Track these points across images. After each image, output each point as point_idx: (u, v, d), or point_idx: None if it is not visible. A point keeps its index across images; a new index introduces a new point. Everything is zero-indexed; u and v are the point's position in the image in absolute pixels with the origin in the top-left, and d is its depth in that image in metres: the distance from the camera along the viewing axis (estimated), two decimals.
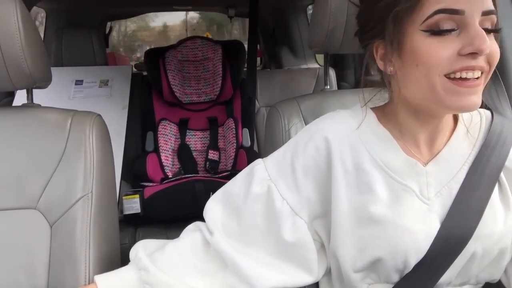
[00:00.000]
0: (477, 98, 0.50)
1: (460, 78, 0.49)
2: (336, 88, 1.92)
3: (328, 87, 0.94)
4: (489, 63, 0.50)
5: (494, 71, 0.54)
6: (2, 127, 0.75)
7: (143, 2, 2.29)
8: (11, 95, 1.68)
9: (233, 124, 1.75)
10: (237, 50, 1.81)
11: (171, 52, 1.80)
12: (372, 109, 0.61)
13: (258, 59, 2.56)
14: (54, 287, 0.69)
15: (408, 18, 0.50)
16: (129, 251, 0.63)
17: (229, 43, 1.85)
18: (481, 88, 0.50)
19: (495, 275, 0.60)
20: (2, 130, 0.75)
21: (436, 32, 0.49)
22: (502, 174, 0.57)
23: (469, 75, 0.49)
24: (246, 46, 1.86)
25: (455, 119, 0.61)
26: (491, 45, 0.48)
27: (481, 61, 0.49)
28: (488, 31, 0.49)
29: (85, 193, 0.72)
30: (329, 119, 0.61)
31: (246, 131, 1.73)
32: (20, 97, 1.54)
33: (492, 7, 0.50)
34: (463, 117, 0.60)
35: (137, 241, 0.63)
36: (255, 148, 1.77)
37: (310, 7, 2.24)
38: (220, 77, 1.77)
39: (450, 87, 0.49)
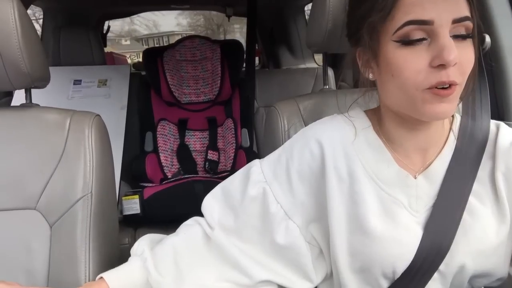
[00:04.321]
0: (449, 106, 0.50)
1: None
2: (335, 88, 1.92)
3: (327, 86, 0.94)
4: (461, 72, 0.49)
5: (486, 77, 0.53)
6: (0, 127, 0.75)
7: (140, 1, 2.28)
8: (9, 95, 1.67)
9: (232, 124, 1.74)
10: (235, 49, 1.80)
11: (169, 51, 1.80)
12: (367, 112, 0.61)
13: (257, 58, 2.56)
14: None
15: (382, 28, 0.51)
16: (129, 251, 0.63)
17: (227, 43, 1.84)
18: (453, 97, 0.50)
19: (492, 283, 0.59)
20: (1, 131, 0.75)
21: (407, 42, 0.49)
22: (501, 185, 0.56)
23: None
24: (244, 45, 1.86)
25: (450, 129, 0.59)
26: (460, 54, 0.48)
27: (452, 75, 0.48)
28: (461, 37, 0.49)
29: (85, 194, 0.72)
30: (324, 124, 0.61)
31: (245, 131, 1.73)
32: (19, 97, 1.53)
33: (465, 14, 0.49)
34: (454, 127, 0.59)
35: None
36: (254, 148, 1.76)
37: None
38: (219, 77, 1.77)
39: (428, 97, 0.49)
